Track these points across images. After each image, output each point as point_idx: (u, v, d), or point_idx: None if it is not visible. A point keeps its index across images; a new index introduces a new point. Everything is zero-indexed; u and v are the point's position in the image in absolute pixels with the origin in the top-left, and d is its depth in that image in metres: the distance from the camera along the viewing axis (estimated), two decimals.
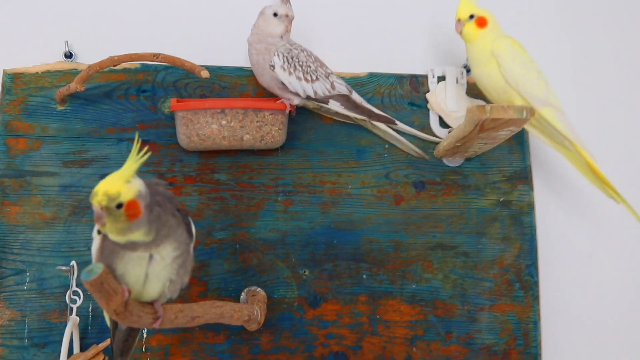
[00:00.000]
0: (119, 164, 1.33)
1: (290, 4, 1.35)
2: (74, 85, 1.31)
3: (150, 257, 1.07)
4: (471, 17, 1.34)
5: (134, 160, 1.03)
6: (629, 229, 1.52)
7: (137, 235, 1.04)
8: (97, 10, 1.45)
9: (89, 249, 1.34)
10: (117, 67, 1.38)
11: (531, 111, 1.22)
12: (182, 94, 1.41)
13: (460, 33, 1.35)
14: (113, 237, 1.03)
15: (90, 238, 1.33)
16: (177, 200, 1.12)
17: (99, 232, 1.08)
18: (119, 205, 1.00)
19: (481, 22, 1.34)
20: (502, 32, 1.36)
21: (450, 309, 1.41)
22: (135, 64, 1.39)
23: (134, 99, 1.39)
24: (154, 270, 1.08)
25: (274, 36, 1.35)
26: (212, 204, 1.38)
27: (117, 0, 1.45)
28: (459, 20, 1.35)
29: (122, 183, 1.01)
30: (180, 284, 1.12)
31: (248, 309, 1.24)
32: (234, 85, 1.43)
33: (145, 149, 1.05)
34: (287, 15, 1.35)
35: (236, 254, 1.37)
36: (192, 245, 1.13)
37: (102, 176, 1.34)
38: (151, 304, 1.11)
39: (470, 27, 1.34)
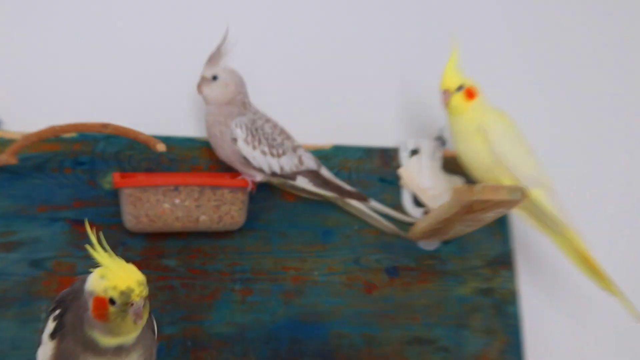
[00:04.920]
0: (51, 248, 1.39)
1: (216, 61, 1.41)
2: (5, 158, 1.34)
3: None
4: (460, 88, 1.41)
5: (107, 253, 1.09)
6: (623, 322, 1.57)
7: (134, 335, 1.10)
8: (25, 73, 1.47)
9: (15, 348, 1.34)
10: None
11: (524, 192, 1.30)
12: (125, 167, 1.44)
13: (447, 105, 1.42)
14: (132, 333, 1.08)
15: (17, 335, 1.34)
16: None
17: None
18: None
19: (470, 94, 1.41)
20: (489, 104, 1.43)
21: None
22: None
23: (70, 172, 1.42)
24: None
25: (221, 103, 1.41)
26: (160, 293, 1.41)
27: (49, 61, 1.49)
28: (446, 91, 1.42)
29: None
30: None
31: None
32: (184, 157, 1.47)
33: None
34: (202, 77, 1.42)
35: (187, 352, 1.40)
36: (155, 348, 1.17)
37: (32, 262, 1.38)
38: None
39: (459, 99, 1.41)
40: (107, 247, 1.09)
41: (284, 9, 1.61)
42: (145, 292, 1.06)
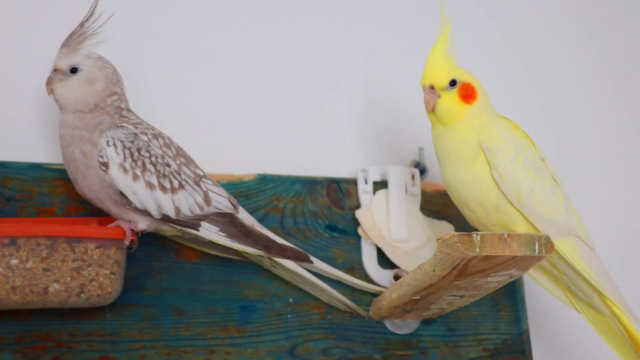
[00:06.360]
0: None
1: (76, 45, 1.26)
2: None
3: None
4: (452, 84, 1.22)
5: None
6: None
7: None
8: None
9: None
10: None
11: (547, 244, 1.15)
12: None
13: (432, 110, 1.20)
14: None
15: None
16: None
17: None
18: None
19: (468, 94, 1.24)
20: (493, 110, 1.25)
21: None
22: None
23: None
24: None
25: (84, 109, 1.25)
26: None
27: None
28: (431, 88, 1.24)
29: None
30: None
31: None
32: (28, 195, 1.30)
33: None
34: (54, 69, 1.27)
35: None
36: None
37: None
38: None
39: (450, 101, 1.24)
40: None
41: None
42: None
